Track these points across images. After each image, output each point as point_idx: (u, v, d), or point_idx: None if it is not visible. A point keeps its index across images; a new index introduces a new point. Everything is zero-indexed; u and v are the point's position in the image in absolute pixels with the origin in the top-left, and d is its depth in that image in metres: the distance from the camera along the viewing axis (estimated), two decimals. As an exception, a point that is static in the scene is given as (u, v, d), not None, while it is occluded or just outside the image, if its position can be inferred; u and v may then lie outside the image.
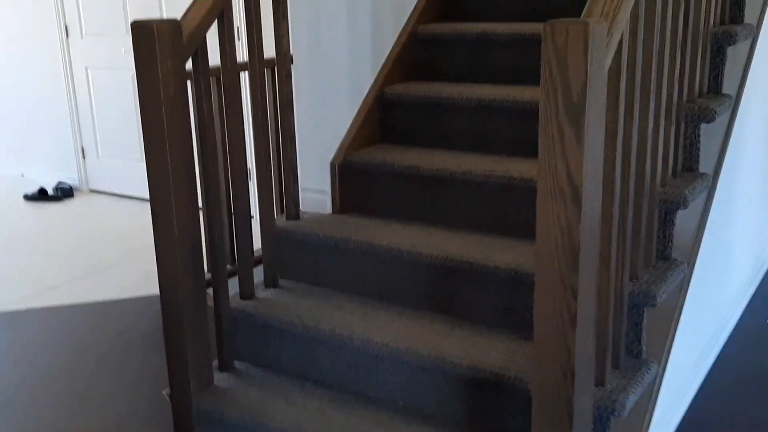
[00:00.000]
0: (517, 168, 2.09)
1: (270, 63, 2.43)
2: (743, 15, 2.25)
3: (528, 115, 2.22)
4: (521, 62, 2.41)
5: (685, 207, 1.84)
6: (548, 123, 1.29)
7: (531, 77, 2.39)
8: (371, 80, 2.47)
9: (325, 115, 2.26)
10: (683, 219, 1.97)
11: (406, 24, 2.58)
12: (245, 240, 2.13)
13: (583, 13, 1.38)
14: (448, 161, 2.20)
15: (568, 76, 1.25)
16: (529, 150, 2.23)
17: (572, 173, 1.29)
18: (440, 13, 2.71)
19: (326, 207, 2.34)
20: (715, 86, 2.15)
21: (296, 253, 2.26)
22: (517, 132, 2.24)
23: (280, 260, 2.28)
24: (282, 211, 2.27)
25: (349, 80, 2.34)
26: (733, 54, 2.22)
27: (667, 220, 1.89)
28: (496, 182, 2.08)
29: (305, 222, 2.27)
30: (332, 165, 2.33)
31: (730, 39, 2.07)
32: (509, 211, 2.08)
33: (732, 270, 2.75)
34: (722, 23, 2.22)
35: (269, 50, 2.19)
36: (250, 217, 2.15)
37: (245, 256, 2.14)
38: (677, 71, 1.85)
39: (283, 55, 2.17)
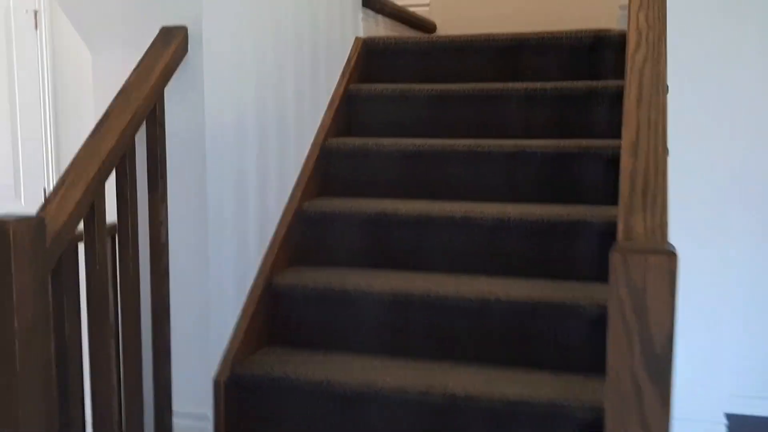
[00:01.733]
0: (457, 381, 1.74)
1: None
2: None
3: (453, 310, 1.92)
4: (429, 246, 2.13)
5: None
6: (619, 379, 0.98)
7: (443, 262, 2.12)
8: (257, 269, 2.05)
9: (206, 318, 1.80)
10: None
11: (290, 199, 2.23)
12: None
13: (618, 233, 1.12)
14: (367, 372, 1.81)
15: (648, 321, 0.96)
16: (462, 354, 1.90)
17: (655, 445, 0.97)
18: (324, 187, 2.40)
19: (207, 436, 1.83)
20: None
21: (174, 507, 1.70)
22: (442, 331, 1.92)
23: None
24: (151, 447, 1.73)
25: (235, 271, 1.92)
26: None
27: None
28: (435, 401, 1.71)
29: (184, 461, 1.73)
30: (216, 381, 1.84)
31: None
32: (457, 438, 1.72)
33: None
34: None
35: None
36: (114, 466, 1.58)
37: None
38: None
39: (161, 248, 1.71)
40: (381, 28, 2.99)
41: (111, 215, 1.53)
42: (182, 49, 1.74)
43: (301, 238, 2.23)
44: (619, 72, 2.48)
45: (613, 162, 2.14)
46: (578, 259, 2.01)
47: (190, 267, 1.79)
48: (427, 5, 3.73)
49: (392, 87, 2.52)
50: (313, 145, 2.38)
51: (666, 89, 1.95)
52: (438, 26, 3.71)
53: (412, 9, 3.39)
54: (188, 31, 1.75)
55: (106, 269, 1.50)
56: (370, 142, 2.35)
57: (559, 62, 2.55)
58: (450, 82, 2.57)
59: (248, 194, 1.99)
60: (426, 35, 2.77)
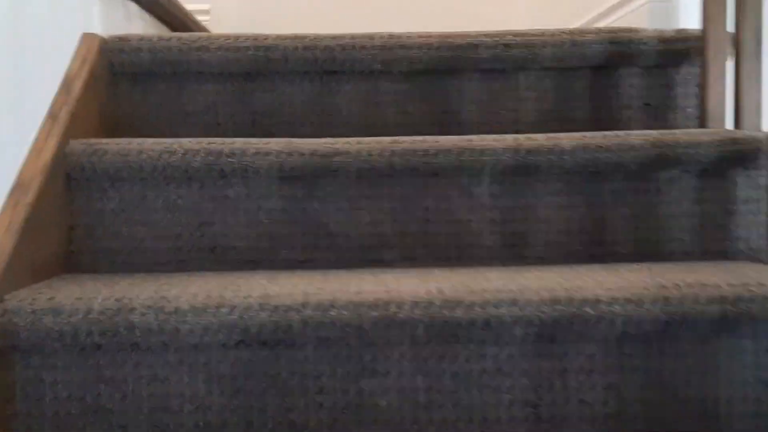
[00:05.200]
0: None
1: None
2: None
3: None
4: None
5: None
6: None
7: None
8: None
9: None
10: None
11: None
12: None
13: None
14: None
15: None
16: None
17: None
18: None
19: None
20: None
21: None
22: None
23: None
24: None
25: None
26: None
27: None
28: None
29: None
30: None
31: None
32: None
33: None
34: None
35: None
36: None
37: None
38: None
39: None
40: (137, 26, 1.47)
41: None
42: None
43: None
44: (662, 115, 1.23)
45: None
46: None
47: None
48: (206, 13, 2.25)
49: (189, 147, 1.01)
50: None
51: None
52: (225, 49, 2.25)
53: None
54: None
55: None
56: (127, 303, 0.82)
57: (538, 97, 1.23)
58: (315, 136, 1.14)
59: None
60: (252, 33, 1.30)
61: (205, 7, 2.22)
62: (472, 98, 1.23)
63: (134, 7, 1.46)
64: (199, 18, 2.13)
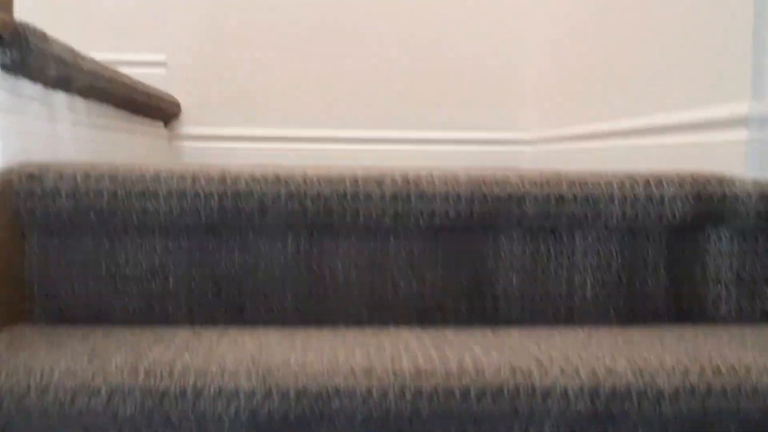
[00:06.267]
0: None
1: None
2: None
3: None
4: None
5: None
6: None
7: None
8: None
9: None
10: None
11: None
12: None
13: None
14: None
15: None
16: None
17: None
18: None
19: None
20: None
21: None
22: None
23: None
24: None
25: None
26: None
27: None
28: None
29: None
30: None
31: None
32: None
33: None
34: None
35: None
36: None
37: None
38: None
39: None
40: (65, 120, 1.12)
41: None
42: None
43: None
44: (761, 293, 0.94)
45: None
46: None
47: None
48: (162, 65, 1.90)
49: (118, 384, 0.68)
50: None
51: None
52: (184, 109, 1.90)
53: (125, 68, 1.56)
54: None
55: None
56: None
57: (599, 265, 0.93)
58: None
59: None
60: (218, 172, 0.96)
61: (161, 58, 1.87)
62: (512, 265, 0.92)
63: (61, 99, 1.12)
64: (154, 71, 1.80)
